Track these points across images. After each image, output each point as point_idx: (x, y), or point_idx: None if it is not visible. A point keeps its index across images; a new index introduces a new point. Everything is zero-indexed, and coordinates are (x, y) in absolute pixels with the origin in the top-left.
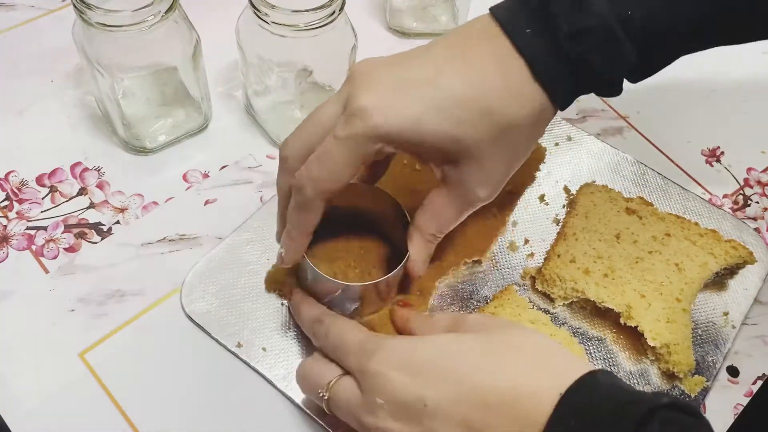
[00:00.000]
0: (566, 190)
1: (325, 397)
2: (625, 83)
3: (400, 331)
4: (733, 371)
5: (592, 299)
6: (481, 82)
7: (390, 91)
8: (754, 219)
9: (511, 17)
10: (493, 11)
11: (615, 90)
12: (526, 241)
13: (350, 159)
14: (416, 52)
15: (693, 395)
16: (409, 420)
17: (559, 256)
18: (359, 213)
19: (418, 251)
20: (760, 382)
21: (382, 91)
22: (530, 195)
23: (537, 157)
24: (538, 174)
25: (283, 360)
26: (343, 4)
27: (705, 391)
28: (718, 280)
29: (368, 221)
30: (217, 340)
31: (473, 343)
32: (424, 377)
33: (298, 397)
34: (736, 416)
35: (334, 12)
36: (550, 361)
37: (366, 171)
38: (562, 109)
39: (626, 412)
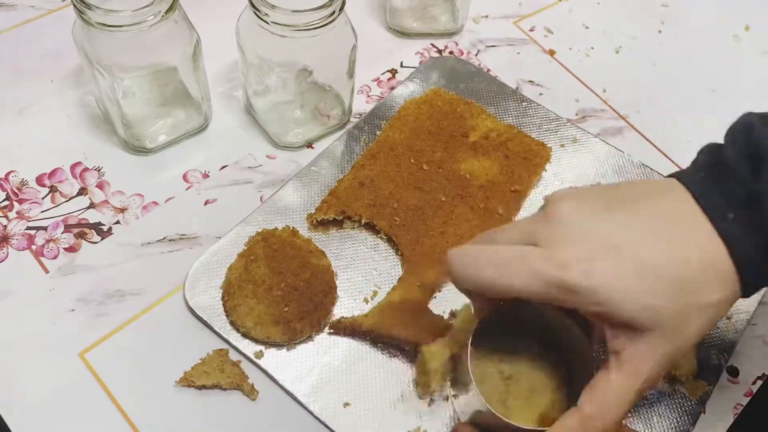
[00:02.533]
0: None
1: None
2: None
3: None
4: (733, 371)
5: None
6: (682, 258)
7: (592, 250)
8: None
9: (710, 198)
10: (686, 183)
11: None
12: None
13: (528, 290)
14: (614, 211)
15: (695, 399)
16: None
17: None
18: (543, 327)
19: None
20: (760, 382)
21: (584, 248)
22: (536, 196)
23: (543, 158)
24: (543, 174)
25: (287, 357)
26: (343, 4)
27: (707, 395)
28: None
29: (548, 340)
30: (219, 335)
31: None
32: None
33: (300, 394)
34: (736, 416)
35: (334, 12)
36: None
37: None
38: (747, 295)
39: None
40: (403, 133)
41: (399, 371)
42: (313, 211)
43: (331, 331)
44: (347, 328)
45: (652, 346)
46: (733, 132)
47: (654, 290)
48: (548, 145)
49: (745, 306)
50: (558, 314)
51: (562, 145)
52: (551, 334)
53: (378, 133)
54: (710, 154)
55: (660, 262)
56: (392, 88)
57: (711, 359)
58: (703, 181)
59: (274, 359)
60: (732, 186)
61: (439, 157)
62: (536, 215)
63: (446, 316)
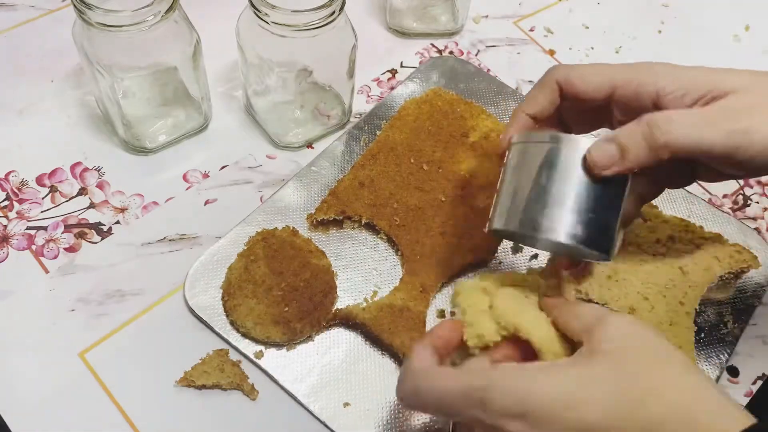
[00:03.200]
0: None
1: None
2: None
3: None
4: (733, 371)
5: (595, 301)
6: None
7: None
8: (754, 219)
9: None
10: None
11: None
12: None
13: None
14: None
15: None
16: None
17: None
18: None
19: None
20: (760, 382)
21: None
22: None
23: None
24: None
25: (287, 357)
26: (343, 4)
27: None
28: (722, 284)
29: None
30: (219, 335)
31: (602, 391)
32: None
33: (300, 394)
34: None
35: (334, 12)
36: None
37: None
38: None
39: None
40: (403, 133)
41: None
42: (313, 211)
43: (329, 322)
44: (342, 317)
45: None
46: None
47: None
48: None
49: (746, 306)
50: None
51: None
52: None
53: (378, 133)
54: None
55: None
56: (392, 88)
57: (711, 359)
58: None
59: (274, 359)
60: None
61: (439, 157)
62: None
63: (443, 317)
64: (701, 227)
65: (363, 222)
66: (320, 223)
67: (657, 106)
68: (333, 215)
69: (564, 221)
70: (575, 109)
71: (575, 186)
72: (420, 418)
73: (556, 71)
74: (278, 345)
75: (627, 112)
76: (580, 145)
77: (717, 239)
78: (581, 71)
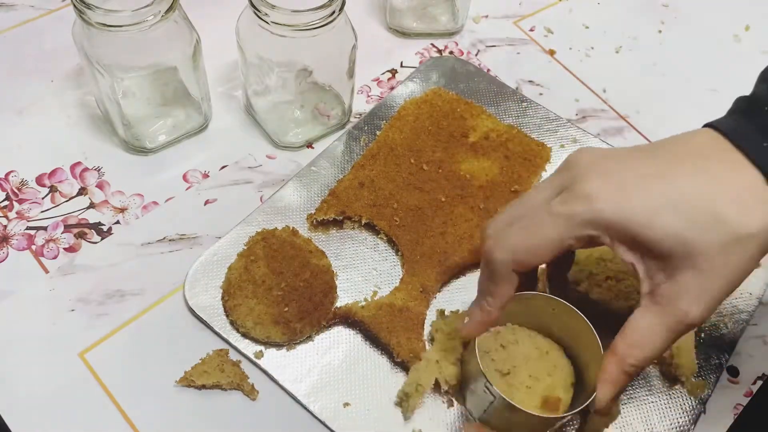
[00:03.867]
0: None
1: None
2: None
3: None
4: (733, 371)
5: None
6: (715, 189)
7: (620, 181)
8: None
9: (741, 131)
10: (716, 126)
11: None
12: None
13: (557, 236)
14: (638, 152)
15: (695, 399)
16: None
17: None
18: (542, 327)
19: (610, 386)
20: (760, 382)
21: (611, 180)
22: None
23: (543, 158)
24: (543, 175)
25: (287, 358)
26: (343, 4)
27: (707, 394)
28: None
29: (551, 336)
30: (219, 335)
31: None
32: None
33: (300, 394)
34: (736, 416)
35: (334, 12)
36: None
37: (550, 267)
38: None
39: None
40: (403, 133)
41: (399, 371)
42: (313, 211)
43: (329, 321)
44: (341, 315)
45: (692, 285)
46: (764, 74)
47: (689, 222)
48: (548, 146)
49: (745, 306)
50: (564, 307)
51: (562, 146)
52: (551, 326)
53: (378, 133)
54: (740, 101)
55: (693, 194)
56: (392, 88)
57: (711, 359)
58: (734, 120)
59: (274, 359)
60: (765, 119)
61: (439, 157)
62: (559, 167)
63: (435, 318)
64: None
65: (363, 222)
66: (320, 223)
67: None
68: (333, 215)
69: None
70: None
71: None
72: (421, 417)
73: (503, 264)
74: (278, 345)
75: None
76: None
77: None
78: (525, 247)
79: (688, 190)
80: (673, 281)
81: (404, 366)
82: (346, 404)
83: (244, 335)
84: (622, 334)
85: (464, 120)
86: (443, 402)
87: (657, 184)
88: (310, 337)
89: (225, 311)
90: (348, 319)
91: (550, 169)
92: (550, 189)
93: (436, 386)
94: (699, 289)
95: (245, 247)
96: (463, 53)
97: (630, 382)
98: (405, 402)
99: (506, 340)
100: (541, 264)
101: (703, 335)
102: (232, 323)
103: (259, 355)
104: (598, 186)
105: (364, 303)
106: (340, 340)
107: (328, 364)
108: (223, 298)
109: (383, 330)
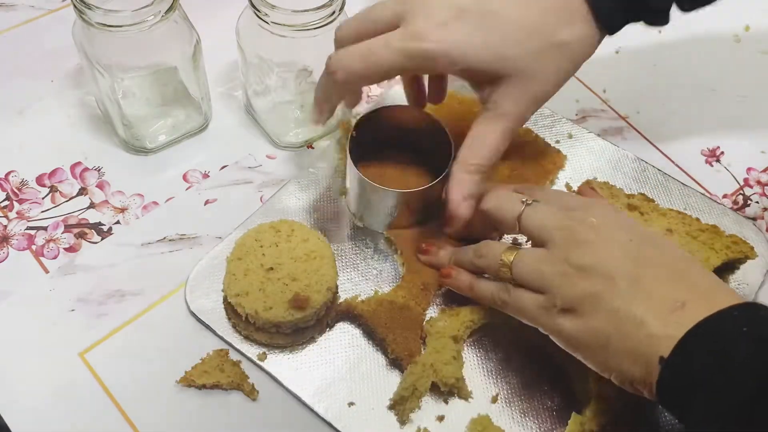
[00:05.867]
0: (568, 187)
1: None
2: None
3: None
4: None
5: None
6: (528, 6)
7: (444, 16)
8: (754, 219)
9: None
10: None
11: (662, 19)
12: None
13: (394, 67)
14: None
15: None
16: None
17: None
18: (406, 137)
19: (458, 187)
20: None
21: (437, 17)
22: None
23: (556, 164)
24: (555, 181)
25: (290, 359)
26: (343, 4)
27: None
28: (719, 275)
29: (414, 147)
30: (221, 338)
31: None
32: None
33: (304, 395)
34: None
35: (334, 12)
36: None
37: (413, 90)
38: (611, 33)
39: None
40: None
41: (396, 370)
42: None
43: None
44: (342, 310)
45: (512, 89)
46: None
47: (504, 40)
48: (562, 153)
49: (743, 296)
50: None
51: (558, 141)
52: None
53: None
54: None
55: (507, 13)
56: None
57: None
58: None
59: (277, 361)
60: None
61: None
62: None
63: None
64: (697, 219)
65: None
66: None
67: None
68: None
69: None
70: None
71: None
72: (425, 415)
73: (342, 84)
74: (281, 347)
75: None
76: None
77: (713, 231)
78: (362, 74)
79: (504, 12)
80: (498, 91)
81: (398, 364)
82: (351, 404)
83: (247, 337)
84: (464, 145)
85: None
86: (443, 402)
87: (474, 13)
88: (312, 339)
89: (229, 308)
90: (349, 313)
91: (562, 176)
92: (389, 11)
93: (434, 387)
94: (519, 92)
95: (243, 242)
96: None
97: (476, 186)
98: (400, 405)
99: (281, 237)
100: (376, 83)
101: None
102: (234, 326)
103: (262, 357)
104: (426, 25)
105: (364, 300)
106: (342, 340)
107: (331, 364)
108: (226, 290)
109: (381, 325)
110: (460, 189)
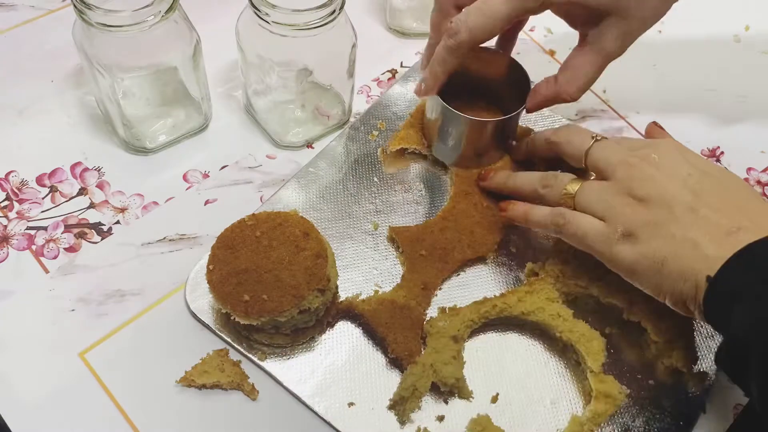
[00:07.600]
0: None
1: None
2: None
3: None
4: None
5: (595, 295)
6: None
7: None
8: None
9: None
10: None
11: None
12: None
13: (512, 14)
14: None
15: (697, 390)
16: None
17: (562, 252)
18: (487, 81)
19: (543, 98)
20: None
21: None
22: None
23: None
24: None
25: (290, 359)
26: (343, 3)
27: (709, 387)
28: None
29: (494, 91)
30: (221, 338)
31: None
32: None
33: (305, 395)
34: (736, 416)
35: (334, 11)
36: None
37: (504, 38)
38: None
39: None
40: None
41: (396, 369)
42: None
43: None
44: (342, 309)
45: (613, 27)
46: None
47: None
48: None
49: None
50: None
51: None
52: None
53: (376, 132)
54: None
55: None
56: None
57: (711, 350)
58: None
59: (277, 361)
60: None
61: None
62: None
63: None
64: None
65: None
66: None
67: None
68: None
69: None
70: None
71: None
72: (425, 415)
73: (464, 43)
74: (281, 347)
75: None
76: None
77: None
78: (482, 27)
79: None
80: (599, 28)
81: (398, 364)
82: (351, 404)
83: (247, 337)
84: (561, 71)
85: None
86: (443, 402)
87: None
88: (312, 338)
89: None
90: (349, 312)
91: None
92: None
93: (434, 387)
94: (618, 30)
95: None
96: None
97: (556, 104)
98: (400, 406)
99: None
100: (494, 37)
101: (703, 327)
102: (234, 326)
103: (262, 357)
104: None
105: (364, 299)
106: (342, 340)
107: (331, 364)
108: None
109: (381, 325)
110: (543, 100)
